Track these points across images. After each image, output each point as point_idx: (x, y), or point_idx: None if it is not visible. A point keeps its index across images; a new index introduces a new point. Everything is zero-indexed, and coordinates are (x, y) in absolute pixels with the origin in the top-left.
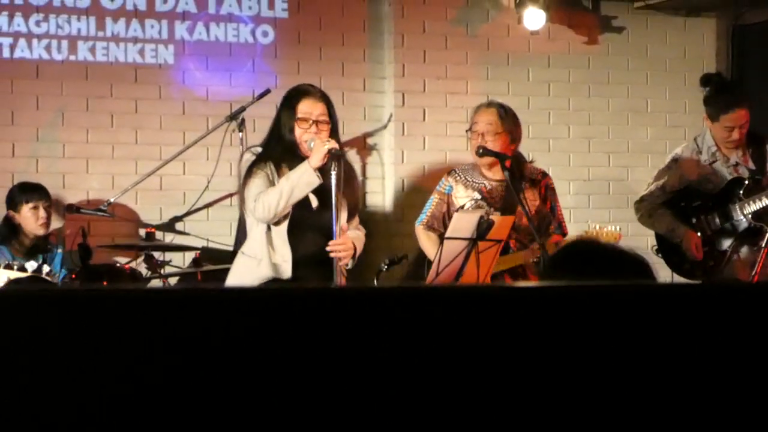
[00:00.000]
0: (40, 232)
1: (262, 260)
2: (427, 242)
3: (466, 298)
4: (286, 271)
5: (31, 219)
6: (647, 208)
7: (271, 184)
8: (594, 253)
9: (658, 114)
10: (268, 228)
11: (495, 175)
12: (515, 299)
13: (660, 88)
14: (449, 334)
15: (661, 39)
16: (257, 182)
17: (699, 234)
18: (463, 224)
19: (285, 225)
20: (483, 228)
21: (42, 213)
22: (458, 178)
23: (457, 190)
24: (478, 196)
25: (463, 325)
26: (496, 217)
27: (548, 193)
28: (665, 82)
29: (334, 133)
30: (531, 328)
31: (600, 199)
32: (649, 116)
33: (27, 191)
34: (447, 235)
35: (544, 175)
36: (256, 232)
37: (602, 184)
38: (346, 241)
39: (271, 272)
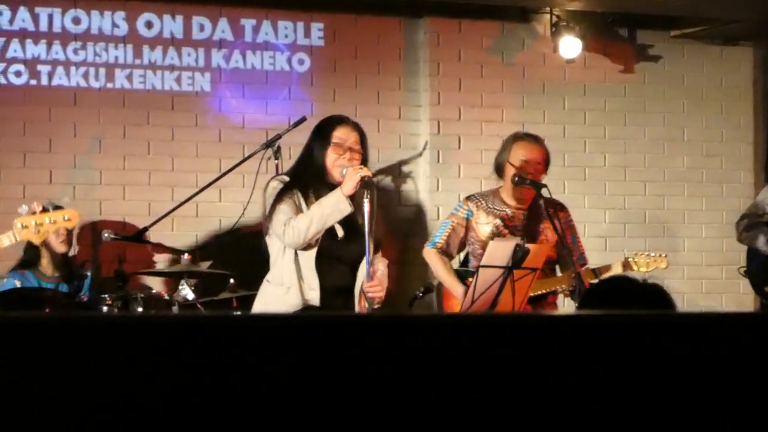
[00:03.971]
0: (61, 249)
1: (290, 288)
2: (440, 266)
3: (501, 326)
4: (314, 299)
5: (51, 239)
6: (745, 225)
7: (298, 210)
8: (625, 288)
9: (695, 143)
10: (296, 256)
11: (515, 202)
12: (551, 327)
13: (696, 117)
14: (484, 362)
15: (697, 68)
16: (285, 208)
17: None
18: (498, 252)
19: (313, 253)
20: (518, 256)
21: (61, 232)
22: (479, 204)
23: (478, 216)
24: (500, 223)
25: (497, 353)
26: (531, 245)
27: (567, 228)
28: (702, 111)
29: (365, 162)
30: (565, 355)
31: (636, 228)
32: (686, 145)
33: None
34: (482, 263)
35: (562, 207)
36: (283, 260)
37: (638, 213)
38: (382, 281)
39: (300, 300)
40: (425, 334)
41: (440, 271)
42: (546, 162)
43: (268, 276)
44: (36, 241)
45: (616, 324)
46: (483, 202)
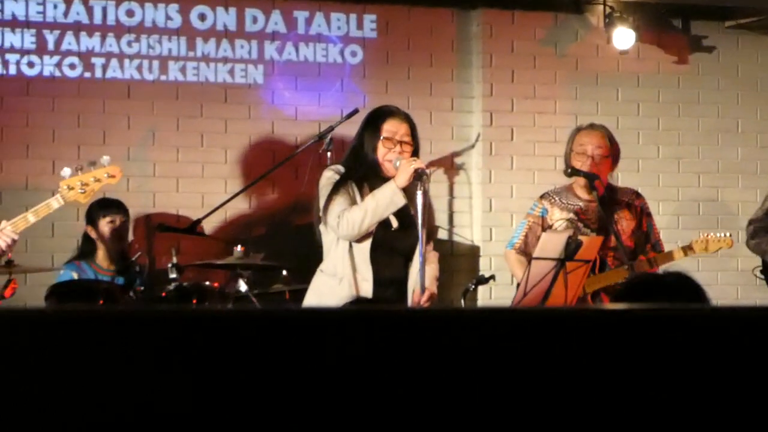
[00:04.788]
0: (115, 245)
1: (343, 279)
2: (517, 266)
3: (554, 320)
4: (368, 290)
5: (106, 233)
6: (751, 231)
7: (353, 202)
8: (654, 283)
9: (749, 134)
10: (350, 247)
11: (588, 195)
12: (604, 321)
13: (751, 108)
14: (536, 356)
15: (752, 59)
16: (340, 200)
17: None
18: (550, 245)
19: (368, 244)
20: (571, 248)
21: (117, 226)
22: (553, 200)
23: (553, 212)
24: (574, 217)
25: (550, 347)
26: (584, 237)
27: (643, 215)
28: (756, 102)
29: (415, 154)
30: (617, 349)
31: (689, 219)
32: (740, 136)
33: (104, 206)
34: (534, 255)
35: (638, 195)
36: (337, 250)
37: (692, 205)
38: (433, 296)
39: (353, 291)
40: (453, 327)
41: (517, 270)
42: (610, 146)
43: (322, 266)
44: (83, 200)
45: (630, 318)
46: (556, 198)
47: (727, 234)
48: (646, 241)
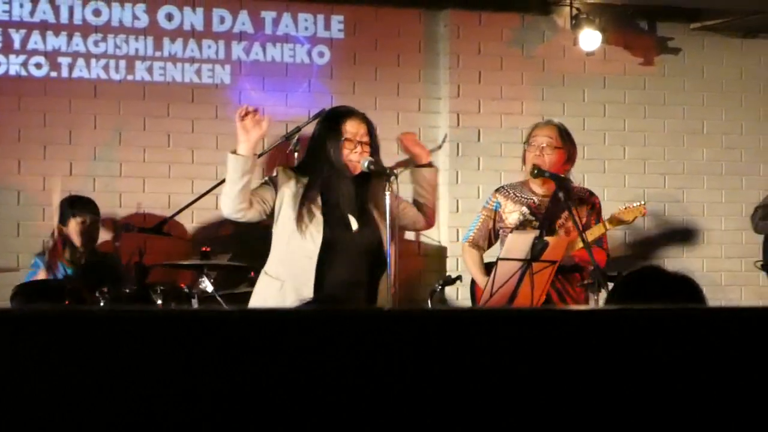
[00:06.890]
0: (77, 242)
1: (284, 283)
2: (469, 260)
3: (520, 320)
4: (308, 295)
5: (75, 233)
6: (761, 215)
7: (271, 199)
8: (653, 279)
9: (715, 135)
10: (295, 250)
11: (543, 190)
12: (570, 322)
13: (716, 109)
14: (501, 357)
15: (717, 60)
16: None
17: None
18: (517, 245)
19: (313, 246)
20: (537, 249)
21: (87, 226)
22: (507, 194)
23: (506, 205)
24: (527, 211)
25: (514, 347)
26: (550, 237)
27: (596, 212)
28: (721, 103)
29: (375, 153)
30: (588, 350)
31: (655, 220)
32: (705, 137)
33: (75, 205)
34: (501, 256)
35: (591, 194)
36: (278, 252)
37: (658, 206)
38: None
39: (294, 296)
40: (433, 327)
41: (469, 264)
42: (562, 140)
43: (266, 267)
44: None
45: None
46: (511, 192)
47: (642, 203)
48: (590, 247)
